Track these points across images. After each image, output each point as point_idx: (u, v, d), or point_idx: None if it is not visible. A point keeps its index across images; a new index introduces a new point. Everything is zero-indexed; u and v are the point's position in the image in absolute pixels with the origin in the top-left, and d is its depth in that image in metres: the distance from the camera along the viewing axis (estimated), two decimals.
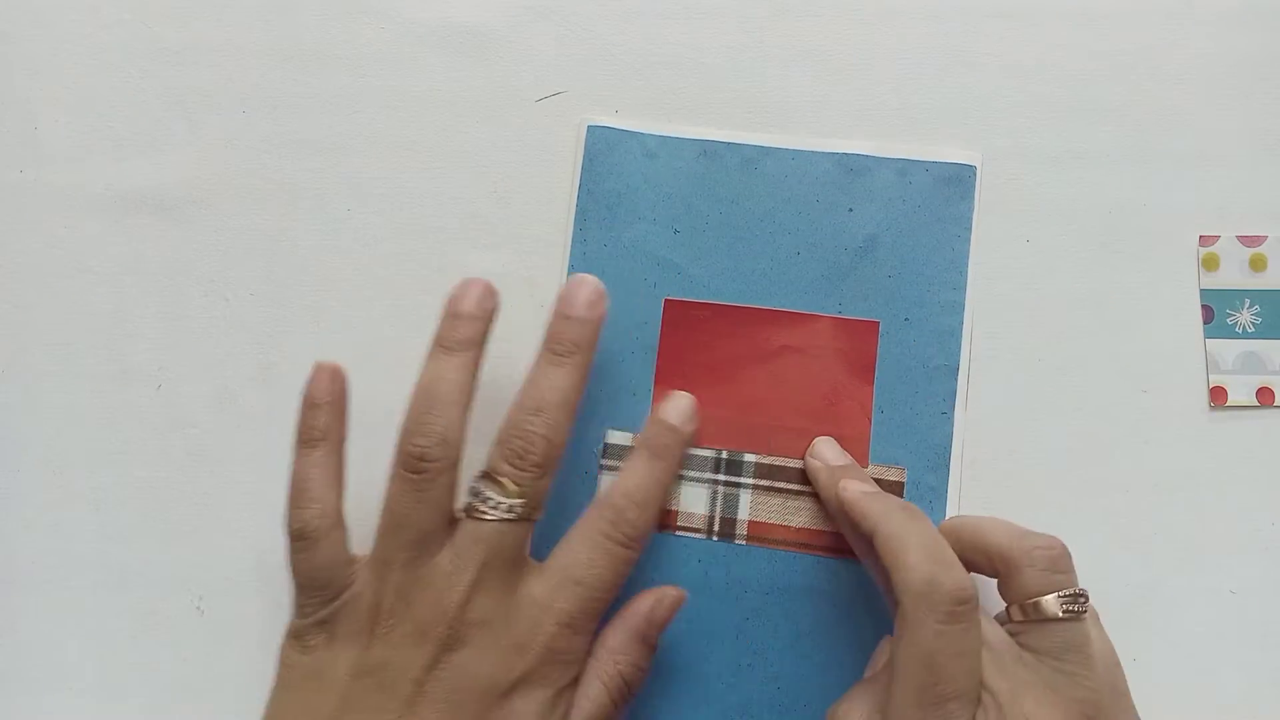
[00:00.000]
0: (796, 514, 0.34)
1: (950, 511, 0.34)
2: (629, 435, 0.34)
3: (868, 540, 0.29)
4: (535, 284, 0.36)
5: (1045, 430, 0.34)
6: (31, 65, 0.38)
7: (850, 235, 0.35)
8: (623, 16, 0.37)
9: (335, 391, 0.32)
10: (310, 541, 0.29)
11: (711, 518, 0.34)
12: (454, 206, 0.37)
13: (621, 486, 0.31)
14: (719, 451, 0.34)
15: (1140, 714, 0.27)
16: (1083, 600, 0.27)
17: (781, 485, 0.34)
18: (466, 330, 0.31)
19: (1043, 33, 0.36)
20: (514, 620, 0.28)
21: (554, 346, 0.31)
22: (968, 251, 0.35)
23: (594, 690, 0.29)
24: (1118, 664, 0.28)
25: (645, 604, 0.31)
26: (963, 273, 0.35)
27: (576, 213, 0.36)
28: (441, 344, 0.31)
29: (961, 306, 0.34)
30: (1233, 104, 0.36)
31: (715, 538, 0.34)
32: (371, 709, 0.27)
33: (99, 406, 0.37)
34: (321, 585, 0.29)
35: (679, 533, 0.34)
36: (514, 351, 0.34)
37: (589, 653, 0.30)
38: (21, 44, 0.39)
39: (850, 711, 0.28)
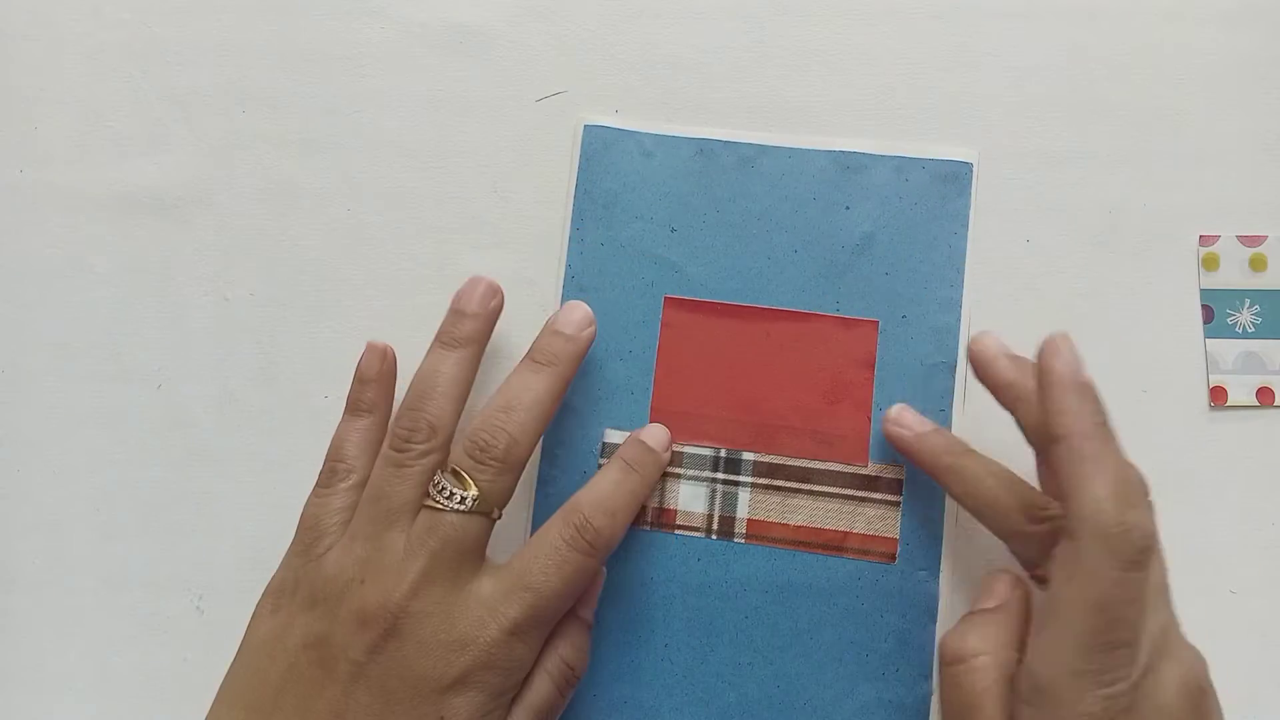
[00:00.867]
0: (795, 512, 0.34)
1: (949, 511, 0.34)
2: (627, 435, 0.34)
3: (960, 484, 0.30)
4: (534, 284, 0.36)
5: None
6: (31, 65, 0.38)
7: (847, 233, 0.35)
8: (623, 16, 0.37)
9: (384, 370, 0.33)
10: (330, 490, 0.30)
11: (710, 516, 0.34)
12: (454, 206, 0.37)
13: (590, 494, 0.30)
14: (717, 450, 0.34)
15: None
16: None
17: (780, 483, 0.34)
18: (468, 327, 0.32)
19: (1043, 33, 0.36)
20: (458, 617, 0.28)
21: (535, 355, 0.31)
22: (965, 249, 0.35)
23: (537, 679, 0.29)
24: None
25: None
26: (960, 270, 0.35)
27: (574, 213, 0.36)
28: (441, 339, 0.32)
29: (959, 304, 0.34)
30: (1233, 104, 0.36)
31: (714, 536, 0.34)
32: (311, 682, 0.27)
33: (99, 406, 0.37)
34: (318, 534, 0.30)
35: (678, 532, 0.34)
36: (514, 351, 0.35)
37: (535, 661, 0.29)
38: (21, 44, 0.39)
39: (980, 645, 0.27)
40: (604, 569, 0.32)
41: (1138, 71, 0.36)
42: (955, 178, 0.35)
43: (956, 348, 0.34)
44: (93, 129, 0.38)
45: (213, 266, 0.37)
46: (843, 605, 0.33)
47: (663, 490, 0.34)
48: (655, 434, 0.33)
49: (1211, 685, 0.27)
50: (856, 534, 0.33)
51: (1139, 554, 0.25)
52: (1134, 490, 0.25)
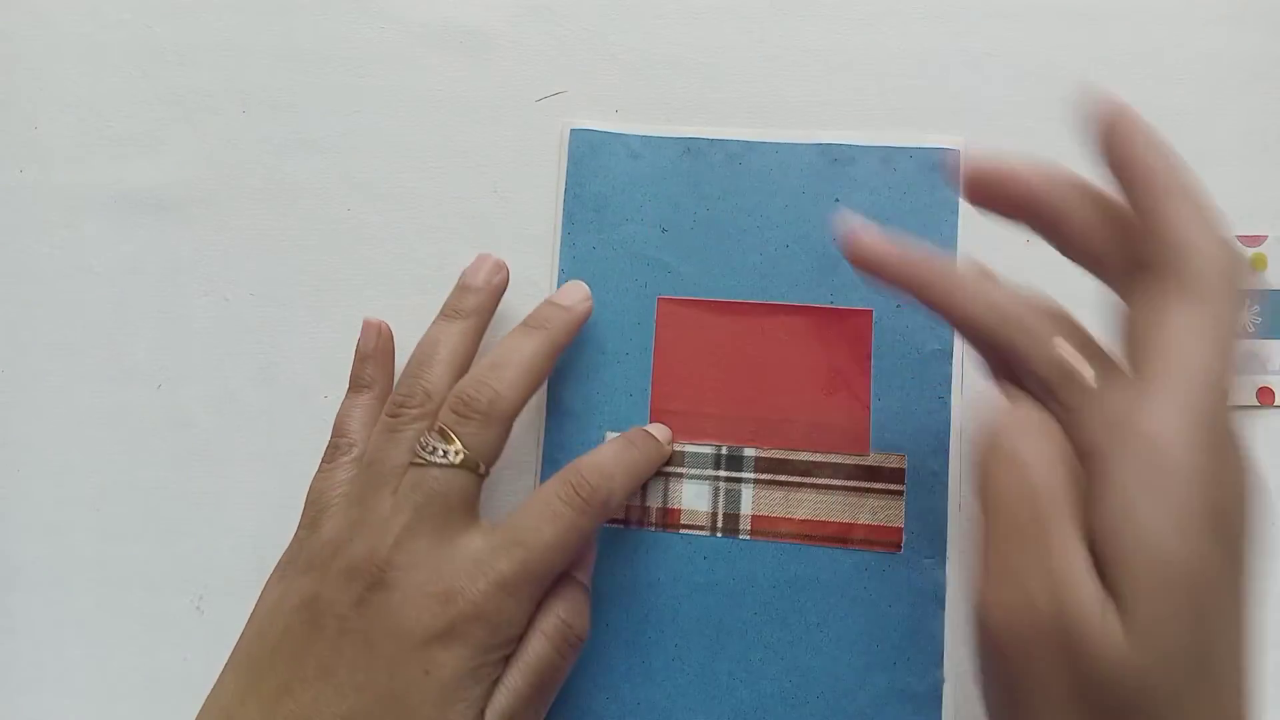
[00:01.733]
0: (799, 506, 0.34)
1: (953, 497, 0.33)
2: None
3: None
4: (535, 283, 0.36)
5: None
6: (31, 65, 0.38)
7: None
8: (622, 16, 0.37)
9: (381, 346, 0.34)
10: (333, 465, 0.31)
11: (714, 514, 0.34)
12: (454, 206, 0.37)
13: (589, 458, 0.31)
14: (719, 447, 0.34)
15: None
16: None
17: (783, 478, 0.34)
18: (471, 300, 0.33)
19: (1043, 33, 0.36)
20: (445, 570, 0.28)
21: (528, 321, 0.32)
22: (956, 236, 0.35)
23: (533, 639, 0.29)
24: None
25: None
26: (953, 257, 0.35)
27: (564, 217, 0.36)
28: (445, 311, 0.33)
29: None
30: (1233, 104, 0.36)
31: (719, 534, 0.34)
32: (302, 641, 0.28)
33: (99, 406, 0.37)
34: (320, 508, 0.30)
35: (683, 531, 0.34)
36: None
37: (526, 624, 0.29)
38: (21, 44, 0.39)
39: (1163, 417, 0.21)
40: (595, 544, 0.32)
41: (1138, 71, 0.36)
42: (943, 165, 0.35)
43: (952, 335, 0.34)
44: (93, 129, 0.38)
45: (213, 266, 0.37)
46: (851, 597, 0.33)
47: (666, 490, 0.34)
48: (657, 428, 0.34)
49: None
50: (861, 525, 0.33)
51: (1244, 284, 0.21)
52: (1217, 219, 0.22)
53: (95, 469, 0.36)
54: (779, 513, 0.34)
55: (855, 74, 0.36)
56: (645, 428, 0.33)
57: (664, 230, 0.35)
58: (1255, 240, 0.35)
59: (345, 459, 0.31)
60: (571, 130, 0.36)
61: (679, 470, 0.34)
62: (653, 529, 0.34)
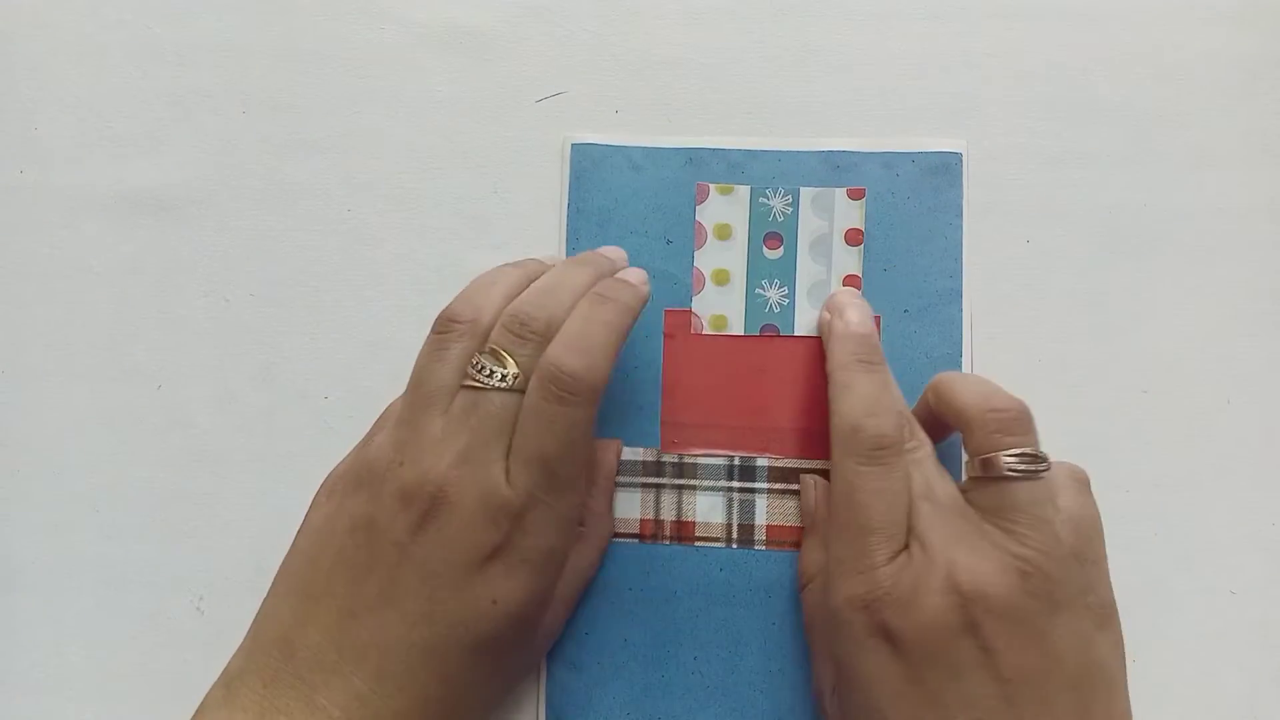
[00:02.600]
0: None
1: None
2: (639, 450, 0.34)
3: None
4: None
5: (1045, 430, 0.34)
6: (31, 65, 0.38)
7: None
8: (622, 17, 0.37)
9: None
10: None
11: (729, 526, 0.34)
12: (454, 206, 0.37)
13: (557, 341, 0.28)
14: (731, 458, 0.34)
15: (1140, 714, 0.27)
16: (1038, 461, 0.27)
17: (796, 487, 0.34)
18: (534, 262, 0.33)
19: (1043, 33, 0.36)
20: (489, 494, 0.28)
21: (574, 259, 0.32)
22: (961, 240, 0.35)
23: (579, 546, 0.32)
24: (1092, 532, 0.28)
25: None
26: (958, 261, 0.35)
27: (568, 232, 0.36)
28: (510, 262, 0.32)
29: (959, 295, 0.34)
30: (1233, 104, 0.36)
31: (735, 545, 0.34)
32: (357, 566, 0.27)
33: (99, 406, 0.37)
34: (378, 427, 0.31)
35: (698, 544, 0.34)
36: None
37: (568, 530, 0.30)
38: (21, 44, 0.39)
39: (808, 553, 0.32)
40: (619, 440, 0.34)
41: (1138, 71, 0.36)
42: (946, 169, 0.35)
43: (960, 339, 0.34)
44: (93, 129, 0.38)
45: (213, 266, 0.37)
46: None
47: (680, 503, 0.34)
48: (632, 272, 0.32)
49: (994, 590, 0.26)
50: None
51: (872, 449, 0.28)
52: (877, 403, 0.29)
53: (95, 469, 0.36)
54: (793, 522, 0.34)
55: (855, 74, 0.36)
56: (616, 275, 0.31)
57: (668, 242, 0.35)
58: None
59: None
60: (573, 145, 0.36)
61: (692, 482, 0.34)
62: (668, 542, 0.34)
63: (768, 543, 0.34)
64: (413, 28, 0.38)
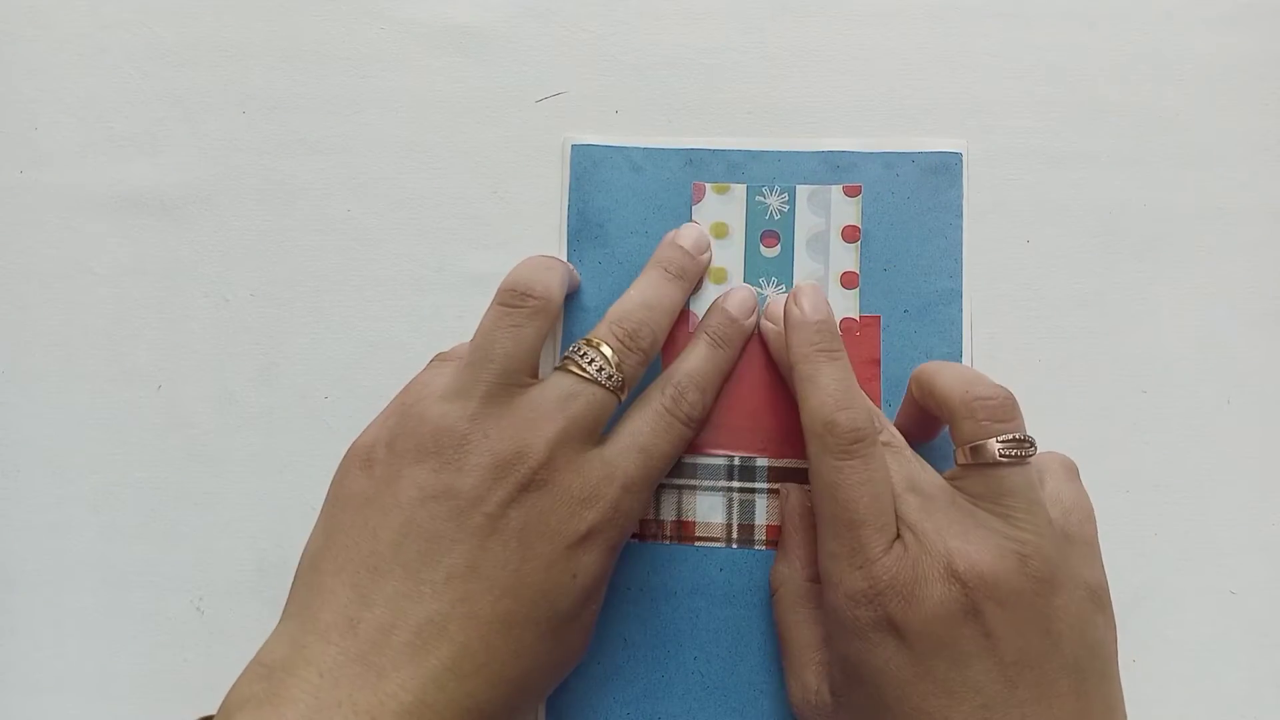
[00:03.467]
0: None
1: None
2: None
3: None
4: None
5: (1045, 430, 0.34)
6: (31, 65, 0.38)
7: None
8: (622, 17, 0.37)
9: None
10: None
11: (729, 526, 0.34)
12: (454, 206, 0.37)
13: (683, 368, 0.32)
14: (731, 458, 0.34)
15: (1140, 714, 0.27)
16: (1026, 445, 0.27)
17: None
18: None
19: (1043, 33, 0.36)
20: (587, 474, 0.28)
21: (667, 266, 0.33)
22: (961, 240, 0.35)
23: None
24: (1084, 516, 0.28)
25: None
26: (958, 261, 0.35)
27: (569, 233, 0.36)
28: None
29: (960, 295, 0.34)
30: (1233, 104, 0.36)
31: (735, 545, 0.34)
32: (437, 536, 0.27)
33: (99, 406, 0.37)
34: (417, 396, 0.30)
35: (698, 544, 0.34)
36: None
37: (640, 517, 0.31)
38: (21, 44, 0.39)
39: (778, 564, 0.33)
40: None
41: (1138, 71, 0.36)
42: (945, 169, 0.35)
43: (960, 339, 0.34)
44: (93, 129, 0.38)
45: (213, 267, 0.37)
46: None
47: (680, 503, 0.34)
48: (738, 298, 0.34)
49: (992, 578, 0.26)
50: None
51: (849, 443, 0.28)
52: (845, 395, 0.29)
53: (95, 469, 0.36)
54: None
55: (855, 74, 0.36)
56: (728, 308, 0.33)
57: None
58: None
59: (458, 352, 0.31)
60: (573, 146, 0.36)
61: (692, 482, 0.34)
62: (667, 542, 0.34)
63: (768, 543, 0.34)
64: (413, 28, 0.38)
